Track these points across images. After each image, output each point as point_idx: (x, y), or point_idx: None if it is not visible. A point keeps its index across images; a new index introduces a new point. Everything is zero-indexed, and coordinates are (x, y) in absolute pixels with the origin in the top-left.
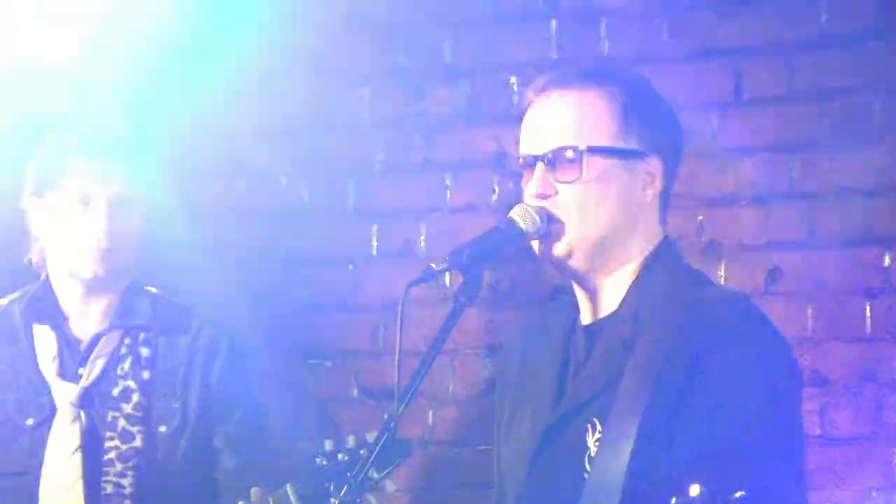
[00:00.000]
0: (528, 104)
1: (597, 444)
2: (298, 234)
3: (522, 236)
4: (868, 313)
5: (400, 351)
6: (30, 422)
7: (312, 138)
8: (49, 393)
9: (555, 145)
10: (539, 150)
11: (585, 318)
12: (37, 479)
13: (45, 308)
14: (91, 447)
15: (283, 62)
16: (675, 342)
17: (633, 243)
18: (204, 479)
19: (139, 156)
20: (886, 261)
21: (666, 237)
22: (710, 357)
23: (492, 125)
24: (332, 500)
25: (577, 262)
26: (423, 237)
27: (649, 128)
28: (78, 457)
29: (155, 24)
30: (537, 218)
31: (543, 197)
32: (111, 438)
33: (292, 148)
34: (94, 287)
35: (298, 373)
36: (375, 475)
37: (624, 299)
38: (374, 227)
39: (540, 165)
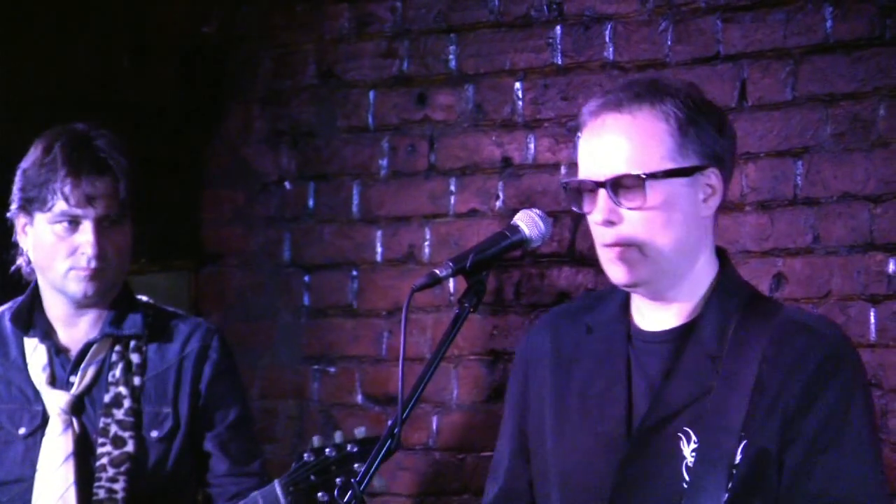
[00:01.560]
0: (584, 127)
1: (693, 454)
2: (303, 240)
3: (527, 242)
4: (873, 319)
5: (404, 356)
6: (22, 431)
7: (316, 144)
8: (41, 401)
9: (614, 172)
10: (599, 177)
11: (650, 325)
12: (30, 487)
13: (33, 319)
14: (83, 454)
15: (289, 68)
16: (766, 362)
17: (702, 256)
18: (190, 481)
19: (125, 175)
20: (891, 267)
21: (720, 248)
22: (809, 378)
23: (496, 131)
24: (319, 494)
25: (652, 286)
26: (427, 243)
27: (706, 139)
28: (71, 464)
29: None
30: (542, 224)
31: (609, 224)
32: (103, 444)
33: (297, 154)
34: (84, 304)
35: (301, 377)
36: (361, 470)
37: (702, 312)
38: (379, 233)
39: (602, 192)
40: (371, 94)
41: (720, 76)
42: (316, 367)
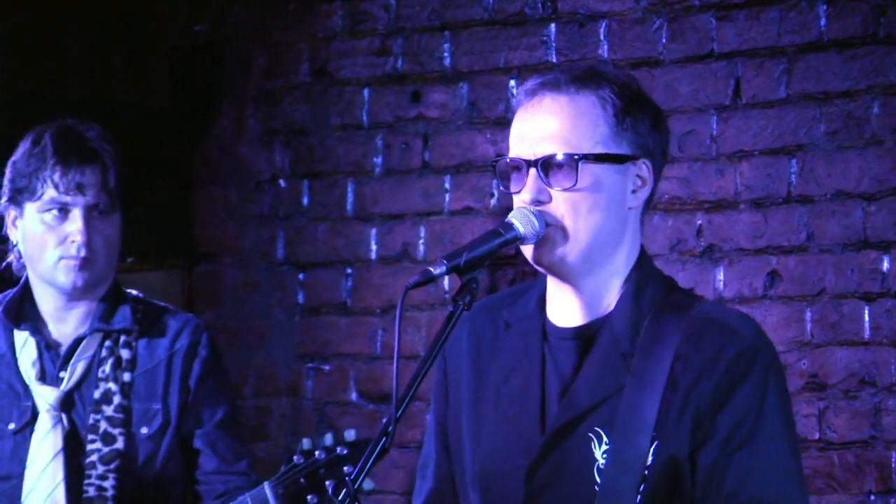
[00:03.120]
0: (519, 106)
1: (604, 455)
2: (297, 237)
3: (521, 240)
4: (867, 317)
5: (398, 354)
6: (11, 426)
7: (310, 142)
8: (31, 397)
9: (547, 151)
10: (531, 156)
11: (563, 320)
12: (19, 484)
13: (24, 313)
14: (73, 451)
15: (283, 66)
16: (678, 360)
17: (623, 247)
18: (179, 479)
19: (114, 165)
20: (885, 265)
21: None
22: (721, 377)
23: (490, 129)
24: (308, 497)
25: (569, 267)
26: (421, 241)
27: (641, 131)
28: (60, 461)
29: None
30: (536, 222)
31: (537, 203)
32: (93, 441)
33: (291, 152)
34: (74, 295)
35: (296, 375)
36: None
37: (617, 308)
38: (373, 231)
39: (532, 172)
40: (365, 92)
41: (714, 74)
42: (310, 364)
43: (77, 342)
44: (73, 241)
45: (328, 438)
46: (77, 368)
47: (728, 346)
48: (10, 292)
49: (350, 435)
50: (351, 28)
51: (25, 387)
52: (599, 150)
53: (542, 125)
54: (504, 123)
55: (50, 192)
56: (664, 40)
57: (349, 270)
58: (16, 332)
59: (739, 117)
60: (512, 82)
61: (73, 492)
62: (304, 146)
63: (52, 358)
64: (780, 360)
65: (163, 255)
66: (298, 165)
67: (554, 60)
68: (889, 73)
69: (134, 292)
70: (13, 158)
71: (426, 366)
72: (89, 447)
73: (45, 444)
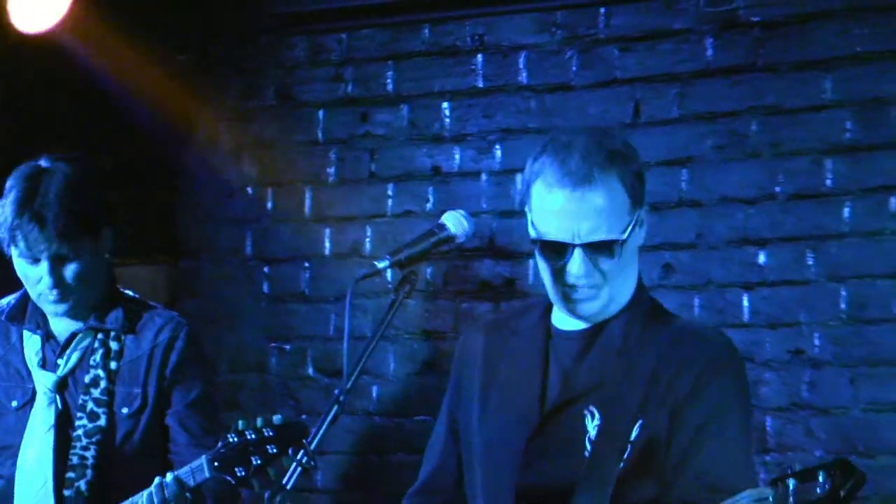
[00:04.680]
0: (549, 189)
1: (595, 428)
2: (263, 237)
3: (453, 239)
4: (746, 303)
5: (348, 336)
6: (14, 404)
7: (275, 155)
8: (32, 380)
9: (592, 237)
10: (575, 240)
11: (568, 326)
12: (17, 452)
13: (28, 313)
14: (63, 426)
15: (253, 91)
16: (661, 360)
17: (633, 281)
18: (158, 451)
19: (69, 217)
20: (762, 259)
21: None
22: (696, 377)
23: (427, 144)
24: (237, 469)
25: (602, 315)
26: (368, 239)
27: (642, 187)
28: (52, 433)
29: None
30: (465, 223)
31: (587, 276)
32: (80, 418)
33: (258, 164)
34: (64, 315)
35: (262, 354)
36: (275, 452)
37: (616, 319)
38: (327, 231)
39: (578, 251)
40: (321, 113)
41: (617, 97)
42: (274, 345)
43: (73, 336)
44: (45, 283)
45: (259, 421)
46: (72, 357)
47: (703, 352)
48: (13, 298)
49: (277, 419)
50: (310, 59)
51: (28, 372)
52: (626, 223)
53: (582, 214)
54: (439, 139)
55: (21, 245)
56: (575, 68)
57: (307, 264)
58: (24, 329)
59: (639, 134)
60: (445, 104)
61: (60, 459)
62: (269, 159)
63: (53, 348)
64: (746, 368)
65: (152, 253)
66: (264, 175)
67: (481, 86)
68: (767, 97)
69: (129, 293)
70: None
71: (372, 345)
72: (77, 423)
73: (41, 420)
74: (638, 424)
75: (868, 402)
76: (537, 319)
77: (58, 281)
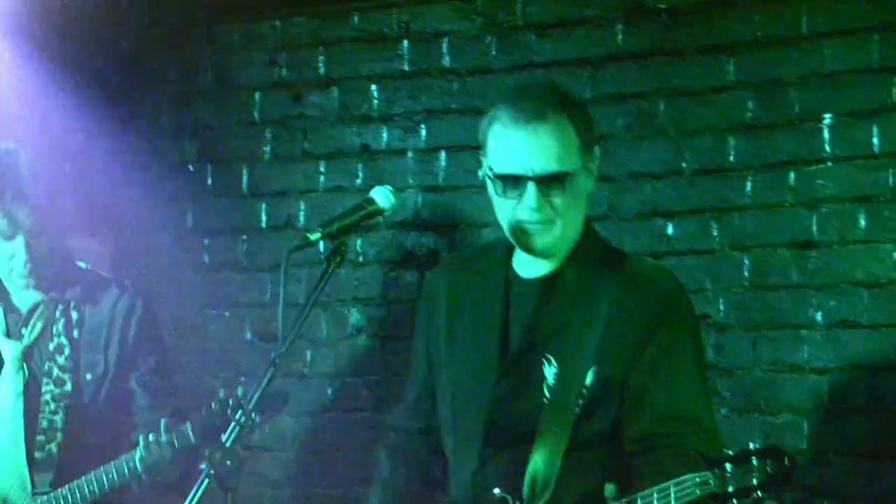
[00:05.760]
0: (507, 125)
1: (553, 376)
2: (203, 211)
3: (381, 212)
4: None
5: (284, 303)
6: None
7: (214, 134)
8: None
9: (546, 170)
10: (530, 173)
11: (527, 272)
12: None
13: None
14: (32, 392)
15: (193, 75)
16: (614, 305)
17: (582, 221)
18: (122, 415)
19: (44, 206)
20: (669, 230)
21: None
22: (649, 317)
23: (357, 124)
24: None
25: (554, 250)
26: (302, 213)
27: (592, 131)
28: (21, 399)
29: None
30: (392, 197)
31: (540, 210)
32: (47, 384)
33: (198, 142)
34: (30, 286)
35: (203, 321)
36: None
37: (567, 262)
38: (263, 205)
39: (532, 185)
40: (257, 95)
41: (534, 80)
42: (214, 312)
43: (35, 307)
44: (19, 259)
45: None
46: (37, 327)
47: (654, 294)
48: None
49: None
50: (247, 45)
51: None
52: (577, 162)
53: (536, 146)
54: (367, 119)
55: (1, 223)
56: (494, 52)
57: (245, 237)
58: None
59: None
60: (373, 87)
61: (30, 424)
62: (208, 138)
63: (16, 319)
64: (694, 305)
65: (97, 225)
66: (204, 154)
67: (407, 69)
68: (673, 79)
69: (83, 265)
70: None
71: (306, 311)
72: (44, 388)
73: (10, 386)
74: (592, 371)
75: (769, 363)
76: (498, 263)
77: (32, 257)
